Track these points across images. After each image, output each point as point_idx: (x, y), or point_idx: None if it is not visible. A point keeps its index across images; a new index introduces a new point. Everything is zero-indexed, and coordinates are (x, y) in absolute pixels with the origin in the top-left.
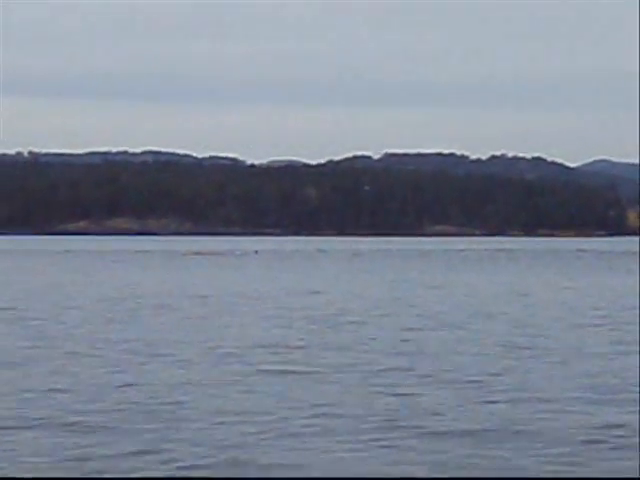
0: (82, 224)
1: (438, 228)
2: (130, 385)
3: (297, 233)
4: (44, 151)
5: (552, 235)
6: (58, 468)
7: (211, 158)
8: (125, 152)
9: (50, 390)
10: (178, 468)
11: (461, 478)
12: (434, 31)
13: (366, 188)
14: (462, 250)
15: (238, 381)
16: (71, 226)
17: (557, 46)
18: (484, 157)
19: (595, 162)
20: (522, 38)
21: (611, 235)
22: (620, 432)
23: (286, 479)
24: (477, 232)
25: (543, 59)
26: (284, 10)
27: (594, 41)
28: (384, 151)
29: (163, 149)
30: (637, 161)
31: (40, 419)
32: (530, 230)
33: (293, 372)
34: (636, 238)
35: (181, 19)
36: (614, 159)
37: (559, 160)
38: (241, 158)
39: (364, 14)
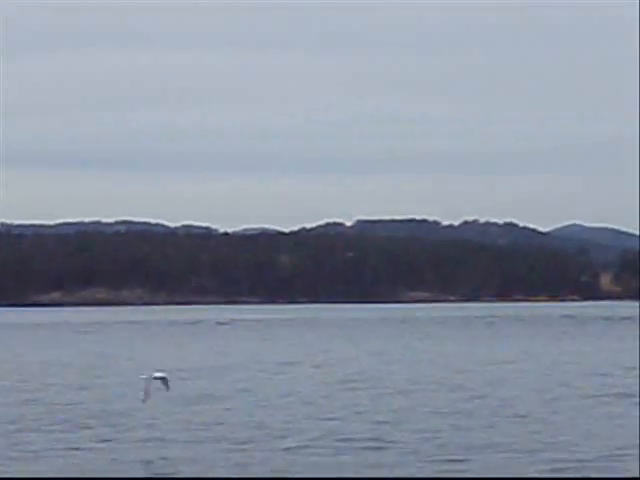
0: (55, 295)
1: (413, 294)
2: None
3: (272, 301)
4: (16, 222)
5: (526, 300)
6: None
7: (184, 227)
8: (98, 222)
9: None
10: None
11: (461, 478)
12: (403, 98)
13: (349, 254)
14: (435, 317)
15: None
16: (44, 297)
17: (528, 114)
18: (456, 223)
19: (567, 227)
20: (492, 105)
21: (585, 299)
22: None
23: (286, 479)
24: (452, 298)
25: (512, 126)
26: (254, 79)
27: (564, 109)
28: (356, 218)
29: (136, 219)
30: (609, 225)
31: None
32: (504, 295)
33: None
34: (610, 302)
35: (150, 89)
36: (586, 223)
37: (531, 225)
38: (214, 226)
39: (334, 80)
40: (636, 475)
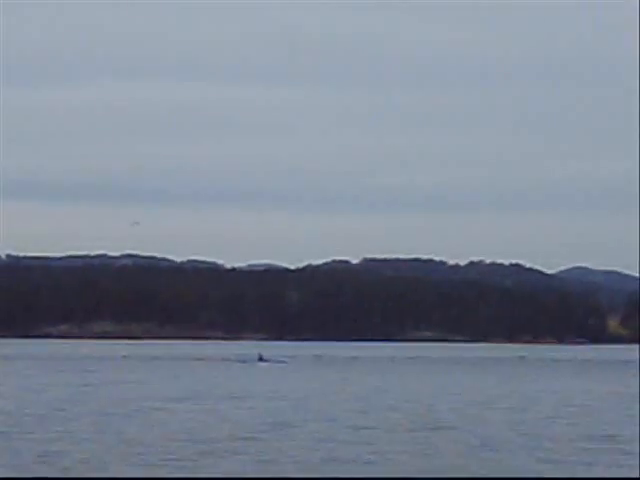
0: (64, 327)
1: (419, 334)
2: None
3: (280, 337)
4: (22, 254)
5: (534, 342)
6: None
7: (190, 262)
8: (104, 255)
9: None
10: None
11: (461, 478)
12: (407, 134)
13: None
14: (445, 357)
15: None
16: (53, 329)
17: (532, 151)
18: (462, 263)
19: (572, 269)
20: (500, 141)
21: (592, 342)
22: None
23: (286, 479)
24: (459, 338)
25: (519, 164)
26: (261, 112)
27: (566, 151)
28: (363, 256)
29: (141, 253)
30: (615, 268)
31: None
32: (512, 336)
33: None
34: (617, 346)
35: (153, 119)
36: (592, 266)
37: (537, 267)
38: (220, 262)
39: (337, 114)
40: (636, 475)
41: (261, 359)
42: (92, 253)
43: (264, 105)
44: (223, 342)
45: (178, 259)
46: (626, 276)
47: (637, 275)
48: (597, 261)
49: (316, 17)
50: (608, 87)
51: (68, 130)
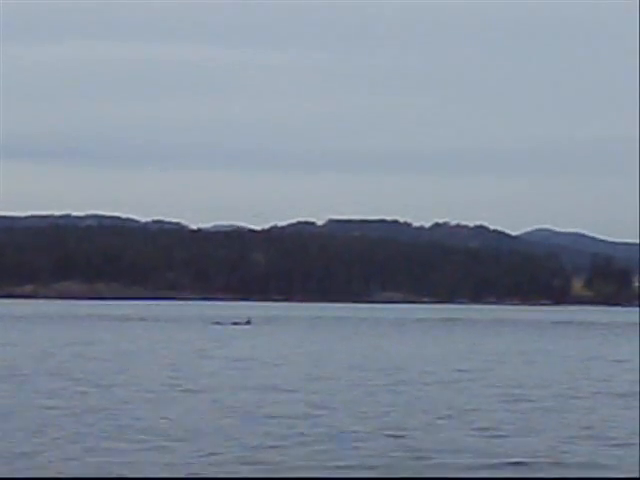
0: (29, 288)
1: (386, 295)
2: None
3: (246, 298)
4: None
5: (498, 303)
6: None
7: (155, 222)
8: (68, 215)
9: None
10: None
11: (461, 478)
12: (373, 97)
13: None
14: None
15: None
16: (18, 289)
17: (497, 115)
18: (427, 225)
19: (536, 231)
20: (467, 104)
21: (557, 304)
22: None
23: (286, 479)
24: (425, 299)
25: (481, 127)
26: (230, 74)
27: (534, 113)
28: (328, 217)
29: (106, 213)
30: (578, 230)
31: None
32: (477, 298)
33: None
34: (582, 307)
35: (125, 81)
36: (556, 228)
37: (501, 228)
38: (185, 222)
39: (304, 78)
40: (636, 475)
41: (248, 322)
42: (57, 213)
43: (234, 66)
44: (191, 302)
45: (143, 219)
46: (590, 238)
47: (601, 237)
48: (561, 223)
49: None
50: (578, 60)
51: (33, 89)
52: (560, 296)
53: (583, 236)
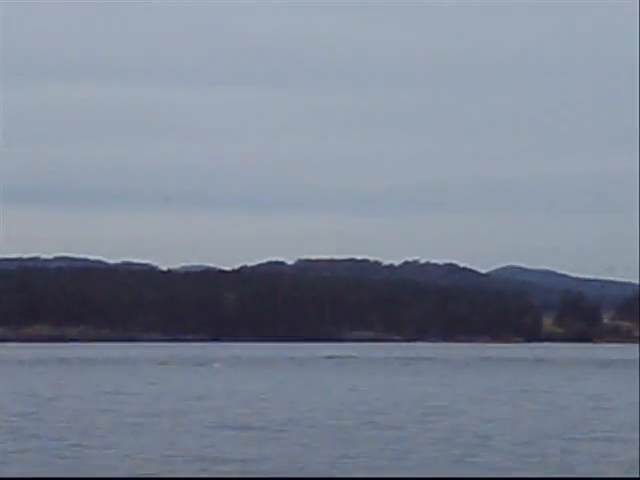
0: None
1: (357, 333)
2: None
3: (216, 339)
4: None
5: (470, 341)
6: None
7: (124, 264)
8: (37, 258)
9: None
10: None
11: (461, 478)
12: (344, 137)
13: None
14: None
15: None
16: None
17: (465, 153)
18: (397, 263)
19: (506, 268)
20: (435, 144)
21: (527, 341)
22: None
23: (286, 479)
24: (396, 337)
25: (449, 166)
26: (200, 117)
27: (502, 151)
28: (297, 257)
29: (75, 255)
30: (547, 267)
31: None
32: (447, 336)
33: None
34: (552, 344)
35: (92, 124)
36: (525, 265)
37: (471, 266)
38: (154, 264)
39: (274, 117)
40: (636, 475)
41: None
42: (25, 256)
43: (202, 108)
44: (164, 344)
45: (111, 261)
46: (559, 275)
47: (570, 274)
48: (530, 260)
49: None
50: (543, 91)
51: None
52: (531, 333)
53: (552, 273)
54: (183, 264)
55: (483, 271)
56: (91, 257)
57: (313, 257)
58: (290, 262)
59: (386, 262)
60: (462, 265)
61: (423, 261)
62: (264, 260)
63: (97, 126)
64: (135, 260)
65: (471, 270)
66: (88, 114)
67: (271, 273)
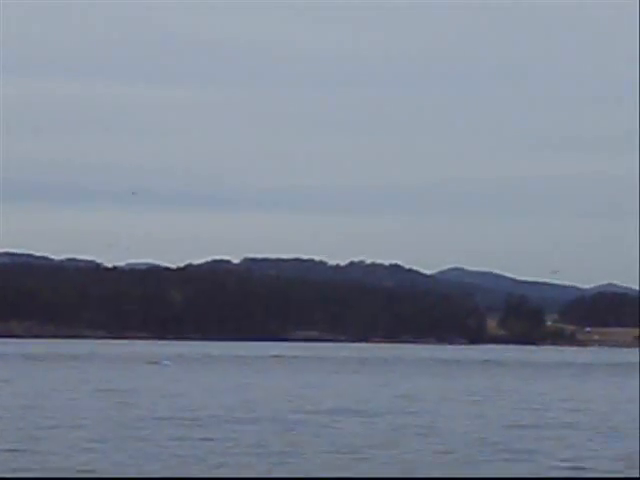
0: None
1: (302, 333)
2: None
3: (162, 337)
4: None
5: (414, 342)
6: None
7: (69, 260)
8: None
9: None
10: None
11: (461, 478)
12: (289, 136)
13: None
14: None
15: None
16: None
17: (411, 154)
18: (342, 263)
19: (450, 270)
20: (380, 143)
21: (472, 343)
22: None
23: (286, 479)
24: (341, 337)
25: (396, 166)
26: (143, 112)
27: (449, 153)
28: (243, 255)
29: (19, 251)
30: (491, 269)
31: None
32: (392, 336)
33: None
34: (496, 346)
35: (37, 117)
36: (468, 267)
37: (415, 267)
38: (99, 260)
39: (223, 116)
40: (636, 475)
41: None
42: None
43: (150, 105)
44: (109, 341)
45: (56, 257)
46: (503, 277)
47: (514, 276)
48: (474, 262)
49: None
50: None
51: None
52: (475, 335)
53: (496, 275)
54: (128, 261)
55: (428, 272)
56: (36, 253)
57: (259, 256)
58: (236, 261)
59: (332, 262)
60: (407, 266)
61: (369, 261)
62: (209, 258)
63: (34, 120)
64: (80, 257)
65: (416, 271)
66: (29, 109)
67: (216, 271)
